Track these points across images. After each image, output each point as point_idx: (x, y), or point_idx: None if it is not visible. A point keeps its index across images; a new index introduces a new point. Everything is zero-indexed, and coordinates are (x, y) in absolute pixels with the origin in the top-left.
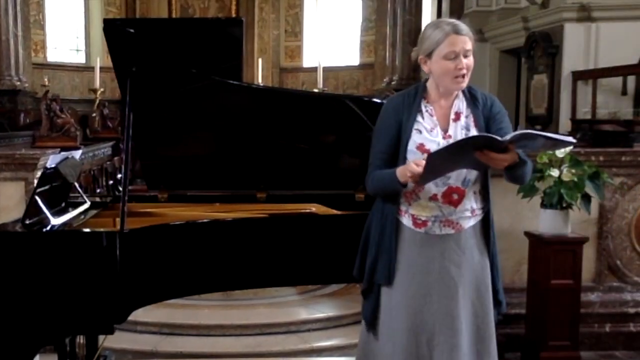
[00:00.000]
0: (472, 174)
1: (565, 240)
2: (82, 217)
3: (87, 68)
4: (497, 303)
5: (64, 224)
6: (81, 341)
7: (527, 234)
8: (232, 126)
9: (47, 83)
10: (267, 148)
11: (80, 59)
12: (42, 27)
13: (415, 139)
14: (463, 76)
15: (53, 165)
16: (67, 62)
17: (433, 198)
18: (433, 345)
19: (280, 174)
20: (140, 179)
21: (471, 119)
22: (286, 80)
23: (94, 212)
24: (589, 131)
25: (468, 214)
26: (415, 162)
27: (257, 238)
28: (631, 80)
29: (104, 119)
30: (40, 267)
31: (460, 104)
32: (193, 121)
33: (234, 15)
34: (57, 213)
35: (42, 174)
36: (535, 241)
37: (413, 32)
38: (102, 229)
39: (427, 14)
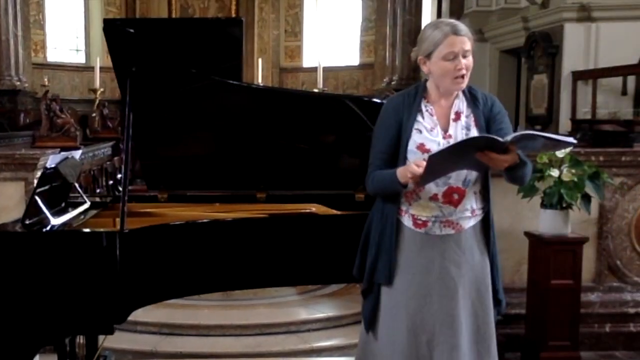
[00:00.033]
0: (473, 174)
1: (565, 240)
2: (82, 217)
3: (87, 68)
4: (497, 303)
5: (64, 224)
6: (81, 341)
7: (527, 234)
8: (232, 126)
9: (47, 83)
10: (267, 148)
11: (80, 59)
12: (42, 27)
13: (415, 138)
14: (462, 77)
15: (53, 165)
16: (67, 62)
17: (433, 198)
18: (433, 345)
19: (280, 174)
20: (140, 179)
21: (472, 119)
22: (286, 80)
23: (93, 212)
24: (589, 131)
25: (468, 214)
26: (415, 162)
27: (257, 238)
28: (631, 80)
29: (103, 119)
30: (40, 267)
31: (461, 104)
32: (193, 121)
33: (233, 15)
34: (57, 213)
35: (42, 174)
36: (535, 241)
37: (413, 32)
38: (102, 229)
39: (427, 14)
